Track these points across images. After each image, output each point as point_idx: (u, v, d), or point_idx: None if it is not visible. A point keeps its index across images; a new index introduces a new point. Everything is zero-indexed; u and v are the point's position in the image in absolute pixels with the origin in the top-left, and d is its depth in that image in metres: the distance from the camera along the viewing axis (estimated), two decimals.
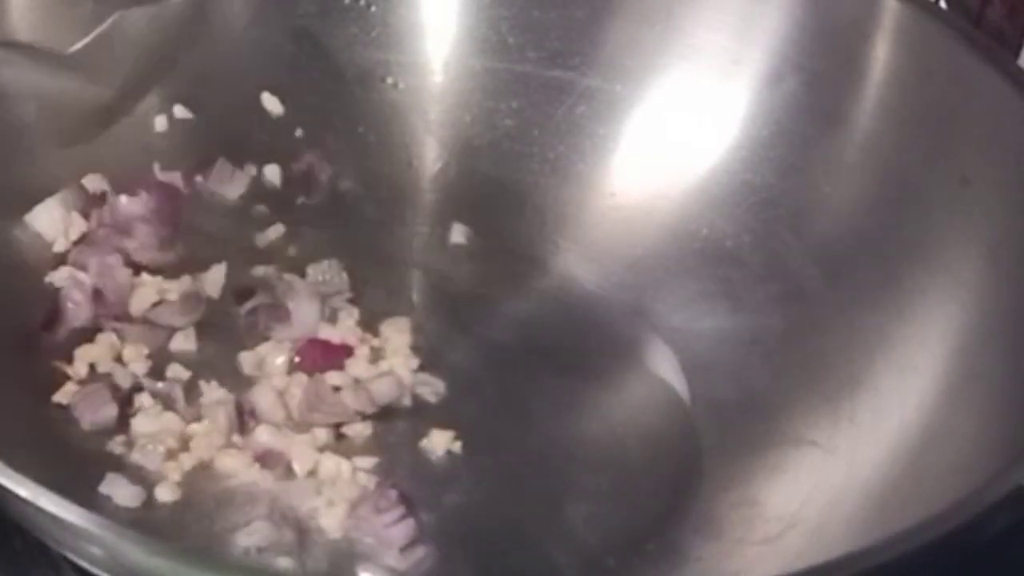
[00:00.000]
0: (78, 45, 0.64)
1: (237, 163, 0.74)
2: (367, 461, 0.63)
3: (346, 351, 0.67)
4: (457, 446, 0.65)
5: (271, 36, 0.76)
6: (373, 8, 0.77)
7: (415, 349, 0.68)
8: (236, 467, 0.62)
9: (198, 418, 0.64)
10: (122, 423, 0.64)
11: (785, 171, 0.72)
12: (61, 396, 0.64)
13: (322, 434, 0.64)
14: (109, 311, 0.67)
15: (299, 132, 0.76)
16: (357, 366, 0.67)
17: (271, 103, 0.76)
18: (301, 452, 0.63)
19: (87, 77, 0.65)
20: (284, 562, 0.59)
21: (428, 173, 0.76)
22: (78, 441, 0.63)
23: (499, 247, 0.74)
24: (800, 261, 0.70)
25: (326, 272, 0.70)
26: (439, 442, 0.65)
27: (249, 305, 0.68)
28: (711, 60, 0.74)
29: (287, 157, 0.75)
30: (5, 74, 0.64)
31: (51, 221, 0.69)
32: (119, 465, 0.62)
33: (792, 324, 0.69)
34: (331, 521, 0.61)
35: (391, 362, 0.67)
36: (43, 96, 0.65)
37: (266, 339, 0.67)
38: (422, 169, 0.76)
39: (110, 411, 0.64)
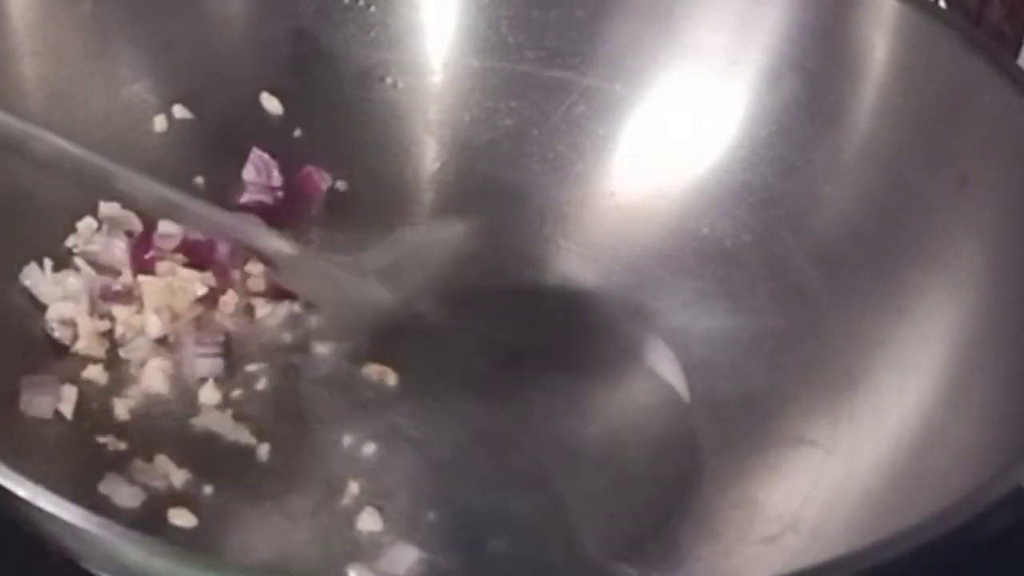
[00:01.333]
0: (367, 254, 0.68)
1: (237, 163, 0.74)
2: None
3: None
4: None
5: (270, 36, 0.76)
6: (372, 8, 0.77)
7: None
8: None
9: None
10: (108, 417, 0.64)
11: (785, 171, 0.72)
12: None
13: None
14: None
15: (298, 132, 0.76)
16: None
17: (270, 103, 0.76)
18: None
19: (373, 286, 0.68)
20: None
21: (427, 173, 0.76)
22: (77, 441, 0.63)
23: (499, 246, 0.74)
24: (800, 261, 0.70)
25: None
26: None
27: None
28: (711, 60, 0.74)
29: (286, 158, 0.75)
30: (296, 283, 0.68)
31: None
32: (119, 465, 0.62)
33: (792, 324, 0.69)
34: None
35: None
36: (329, 301, 0.68)
37: None
38: (421, 169, 0.76)
39: (50, 401, 0.64)
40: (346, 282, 0.68)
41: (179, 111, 0.74)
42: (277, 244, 0.68)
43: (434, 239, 0.72)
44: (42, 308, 0.67)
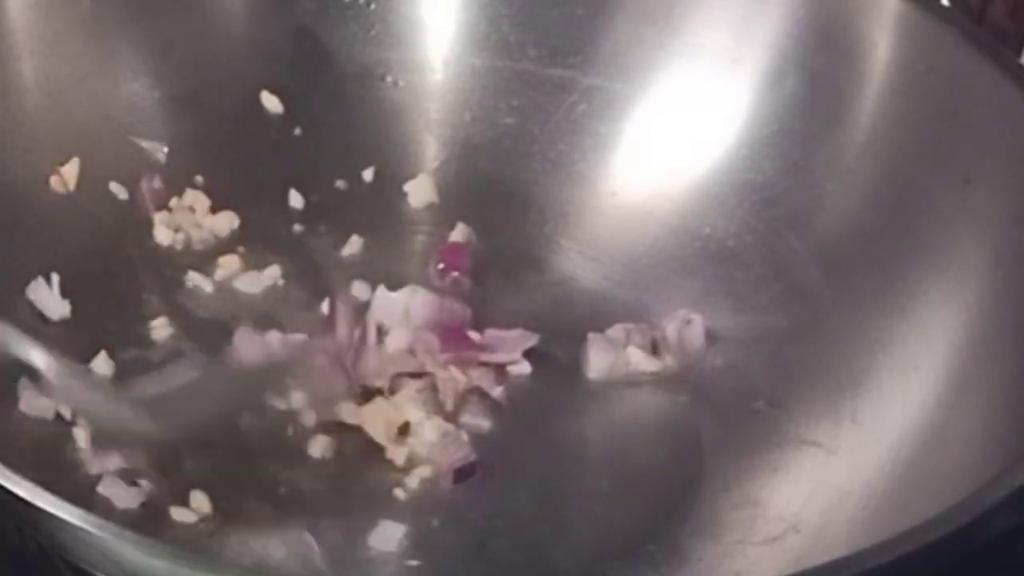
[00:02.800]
0: (152, 392, 0.63)
1: (236, 162, 0.74)
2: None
3: None
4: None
5: (270, 35, 0.76)
6: (372, 6, 0.77)
7: None
8: None
9: None
10: None
11: (787, 170, 0.72)
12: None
13: None
14: None
15: (298, 131, 0.76)
16: None
17: (270, 102, 0.76)
18: None
19: (145, 416, 0.62)
20: None
21: (428, 171, 0.76)
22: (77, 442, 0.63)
23: (499, 246, 0.74)
24: (802, 260, 0.70)
25: None
26: None
27: None
28: (712, 58, 0.73)
29: (286, 157, 0.74)
30: (63, 397, 0.63)
31: None
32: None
33: (794, 323, 0.69)
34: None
35: None
36: (94, 419, 0.63)
37: None
38: (422, 167, 0.76)
39: (48, 403, 0.63)
40: (112, 404, 0.62)
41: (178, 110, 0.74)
42: (37, 357, 0.61)
43: (211, 375, 0.65)
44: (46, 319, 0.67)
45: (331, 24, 0.76)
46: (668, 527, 0.62)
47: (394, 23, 0.77)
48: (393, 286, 0.69)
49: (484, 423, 0.66)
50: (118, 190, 0.72)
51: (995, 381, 0.61)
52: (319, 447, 0.64)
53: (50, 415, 0.63)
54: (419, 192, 0.75)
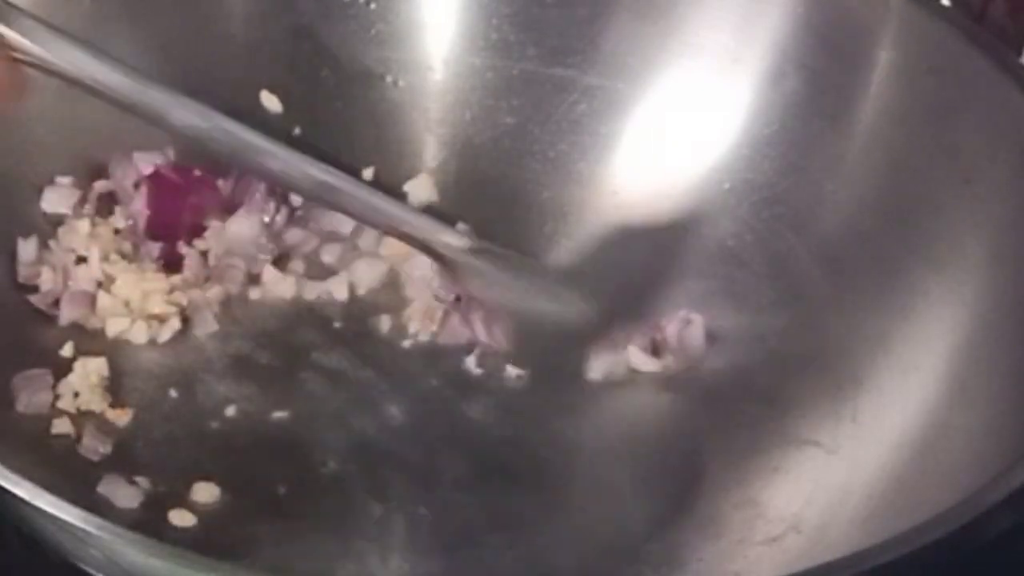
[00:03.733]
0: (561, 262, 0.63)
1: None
2: None
3: None
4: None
5: (270, 34, 0.76)
6: (372, 6, 0.77)
7: None
8: None
9: None
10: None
11: (787, 170, 0.72)
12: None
13: None
14: None
15: (298, 130, 0.76)
16: None
17: (270, 101, 0.75)
18: None
19: (566, 297, 0.62)
20: None
21: (428, 171, 0.76)
22: (76, 441, 0.63)
23: (499, 245, 0.74)
24: (802, 260, 0.70)
25: None
26: None
27: None
28: (712, 58, 0.73)
29: None
30: (482, 285, 0.62)
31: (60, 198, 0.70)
32: (118, 465, 0.62)
33: (794, 323, 0.69)
34: None
35: None
36: (519, 308, 0.63)
37: None
38: (422, 167, 0.76)
39: (46, 396, 0.64)
40: (532, 286, 0.62)
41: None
42: (453, 239, 0.61)
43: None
44: (31, 308, 0.67)
45: (331, 24, 0.76)
46: (668, 527, 0.62)
47: (394, 23, 0.77)
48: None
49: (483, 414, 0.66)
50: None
51: (995, 381, 0.61)
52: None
53: (47, 409, 0.63)
54: (419, 192, 0.75)
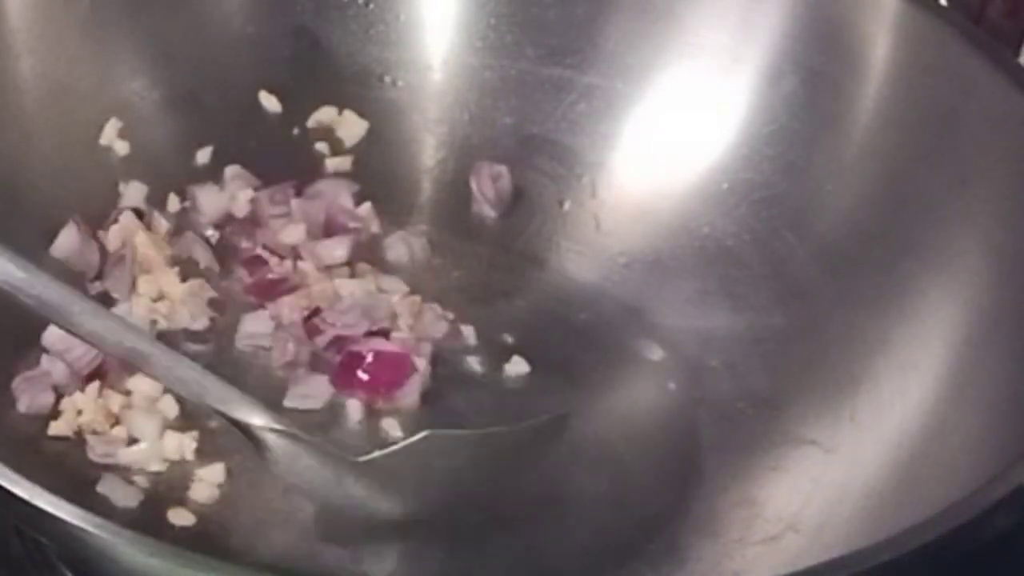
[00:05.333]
0: (376, 454, 0.58)
1: (234, 161, 0.74)
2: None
3: None
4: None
5: (269, 34, 0.76)
6: (371, 6, 0.77)
7: None
8: None
9: None
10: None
11: (786, 169, 0.72)
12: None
13: None
14: None
15: (296, 131, 0.76)
16: None
17: (269, 102, 0.75)
18: None
19: (377, 488, 0.59)
20: None
21: (426, 171, 0.76)
22: (75, 441, 0.63)
23: (499, 246, 0.74)
24: (801, 260, 0.70)
25: None
26: None
27: None
28: (711, 58, 0.73)
29: (285, 156, 0.74)
30: (286, 469, 0.58)
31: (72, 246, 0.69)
32: (116, 465, 0.62)
33: (793, 323, 0.69)
34: None
35: None
36: (325, 499, 0.59)
37: None
38: (420, 167, 0.76)
39: (47, 398, 0.63)
40: (344, 479, 0.58)
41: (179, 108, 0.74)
42: (261, 418, 0.57)
43: (466, 443, 0.60)
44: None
45: (330, 24, 0.76)
46: (667, 526, 0.62)
47: (393, 23, 0.77)
48: None
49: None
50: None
51: (993, 380, 0.61)
52: None
53: (48, 408, 0.63)
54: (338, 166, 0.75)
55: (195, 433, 0.63)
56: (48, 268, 0.61)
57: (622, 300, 0.72)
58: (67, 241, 0.68)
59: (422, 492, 0.60)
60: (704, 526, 0.62)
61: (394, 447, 0.59)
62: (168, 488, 0.62)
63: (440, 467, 0.59)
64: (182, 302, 0.67)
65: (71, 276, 0.67)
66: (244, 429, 0.58)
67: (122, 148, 0.72)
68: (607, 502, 0.64)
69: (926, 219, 0.67)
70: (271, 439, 0.58)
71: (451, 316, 0.69)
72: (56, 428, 0.63)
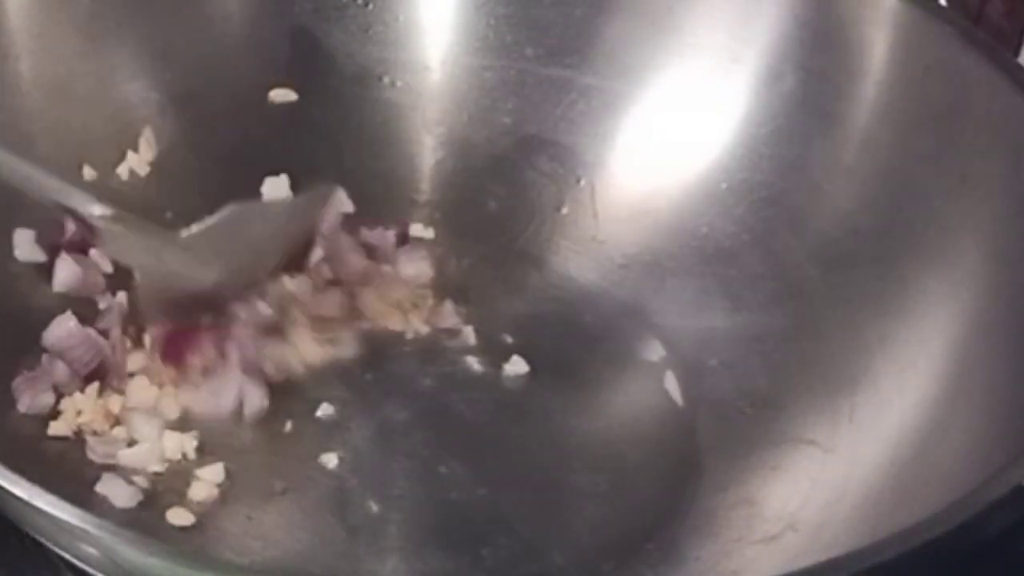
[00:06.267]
0: (192, 230, 0.64)
1: (232, 160, 0.74)
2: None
3: None
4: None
5: (268, 34, 0.76)
6: (370, 6, 0.77)
7: None
8: None
9: None
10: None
11: (784, 169, 0.72)
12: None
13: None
14: None
15: (296, 131, 0.76)
16: None
17: (272, 100, 0.76)
18: None
19: (194, 260, 0.64)
20: None
21: (425, 171, 0.76)
22: (75, 441, 0.63)
23: (499, 246, 0.74)
24: (799, 260, 0.70)
25: None
26: None
27: None
28: (710, 58, 0.73)
29: (285, 156, 0.75)
30: (116, 250, 0.65)
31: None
32: (116, 465, 0.62)
33: (791, 323, 0.69)
34: None
35: None
36: (144, 269, 0.64)
37: None
38: (419, 167, 0.76)
39: (47, 399, 0.64)
40: (165, 254, 0.64)
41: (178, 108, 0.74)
42: (94, 207, 0.62)
43: (267, 213, 0.69)
44: (34, 310, 0.67)
45: (329, 24, 0.76)
46: (666, 526, 0.63)
47: (392, 23, 0.77)
48: None
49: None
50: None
51: (992, 380, 0.61)
52: None
53: (49, 408, 0.64)
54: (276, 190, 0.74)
55: (195, 433, 0.64)
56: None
57: (622, 300, 0.72)
58: (66, 273, 0.68)
59: (232, 261, 0.65)
60: (703, 526, 0.62)
61: (205, 222, 0.64)
62: (167, 488, 0.62)
63: (246, 236, 0.66)
64: None
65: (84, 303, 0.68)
66: (80, 217, 0.62)
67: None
68: (606, 501, 0.64)
69: (924, 219, 0.67)
70: (102, 224, 0.62)
71: (452, 315, 0.69)
72: (56, 428, 0.63)
